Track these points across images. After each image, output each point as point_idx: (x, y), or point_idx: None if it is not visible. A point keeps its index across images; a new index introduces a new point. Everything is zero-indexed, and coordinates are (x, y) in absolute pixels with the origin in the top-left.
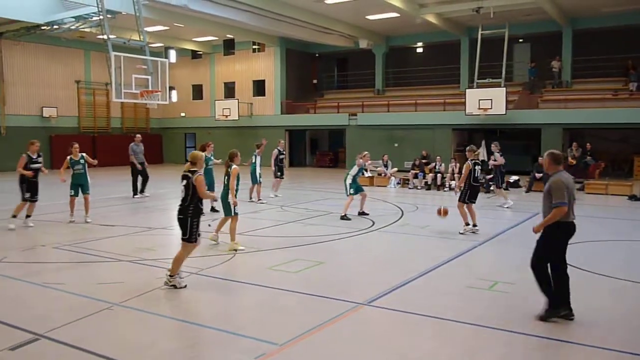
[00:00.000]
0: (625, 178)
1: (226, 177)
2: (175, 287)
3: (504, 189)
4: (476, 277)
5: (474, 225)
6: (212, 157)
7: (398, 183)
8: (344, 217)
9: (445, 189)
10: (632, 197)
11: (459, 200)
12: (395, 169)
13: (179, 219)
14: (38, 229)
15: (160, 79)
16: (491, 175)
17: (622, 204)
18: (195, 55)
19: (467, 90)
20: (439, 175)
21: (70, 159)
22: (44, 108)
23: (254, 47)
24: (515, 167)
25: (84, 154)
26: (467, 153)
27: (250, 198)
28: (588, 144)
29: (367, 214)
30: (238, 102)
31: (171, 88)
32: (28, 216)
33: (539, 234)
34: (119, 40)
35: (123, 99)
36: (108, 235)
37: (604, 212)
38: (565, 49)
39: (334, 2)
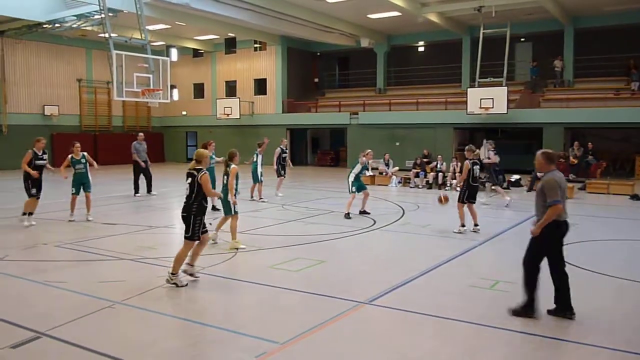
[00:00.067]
0: (627, 177)
1: (225, 177)
2: (176, 285)
3: (504, 188)
4: (477, 277)
5: (475, 225)
6: (213, 156)
7: (399, 182)
8: (347, 215)
9: (447, 188)
10: (634, 197)
11: (458, 201)
12: (397, 167)
13: (183, 217)
14: (40, 227)
15: (161, 77)
16: (484, 174)
17: (624, 203)
18: (196, 53)
19: (468, 89)
20: (440, 174)
21: (72, 158)
22: (45, 106)
23: (256, 45)
24: (517, 167)
25: (85, 153)
26: (466, 153)
27: (252, 197)
28: (590, 143)
29: (369, 213)
30: (239, 101)
31: (172, 87)
32: (30, 213)
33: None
34: (121, 38)
35: (124, 98)
36: (109, 234)
37: (605, 212)
38: (567, 48)
39: (336, 1)
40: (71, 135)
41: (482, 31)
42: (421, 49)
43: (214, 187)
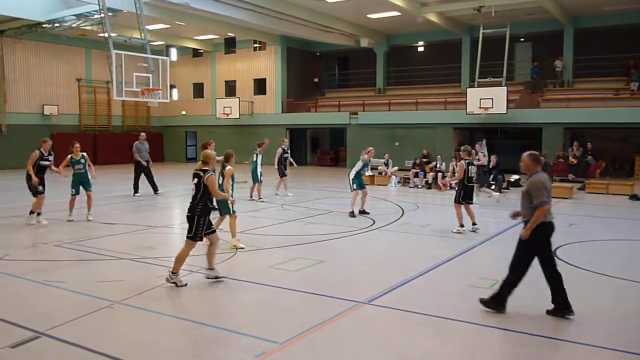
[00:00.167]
0: (626, 177)
1: (221, 177)
2: (176, 284)
3: (504, 188)
4: (477, 276)
5: (474, 224)
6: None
7: (399, 182)
8: (351, 214)
9: (447, 188)
10: (633, 197)
11: (455, 201)
12: (396, 167)
13: (187, 217)
14: (39, 227)
15: (161, 77)
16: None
17: (623, 203)
18: (196, 53)
19: (468, 89)
20: (439, 174)
21: (71, 158)
22: (45, 106)
23: (255, 45)
24: (516, 167)
25: (84, 154)
26: (461, 153)
27: (251, 197)
28: (589, 143)
29: (368, 213)
30: (239, 101)
31: (172, 86)
32: (32, 212)
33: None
34: (120, 38)
35: (124, 97)
36: (109, 234)
37: (604, 212)
38: (566, 48)
39: (335, 1)
40: (70, 134)
41: (481, 31)
42: (421, 49)
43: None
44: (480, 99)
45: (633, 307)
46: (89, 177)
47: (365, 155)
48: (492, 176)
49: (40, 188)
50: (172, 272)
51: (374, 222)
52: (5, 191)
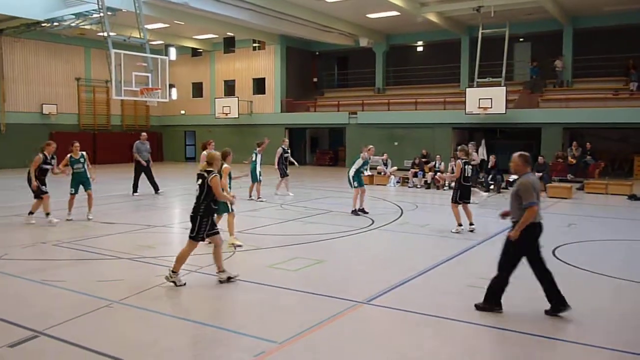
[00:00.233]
0: (625, 178)
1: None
2: (175, 284)
3: (503, 188)
4: (476, 276)
5: (471, 224)
6: None
7: (398, 182)
8: (354, 212)
9: (445, 188)
10: (632, 197)
11: (452, 201)
12: (395, 167)
13: (191, 217)
14: (38, 226)
15: (160, 76)
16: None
17: (622, 203)
18: (195, 53)
19: (467, 89)
20: (438, 174)
21: (71, 157)
22: (43, 105)
23: (254, 45)
24: None
25: (84, 153)
26: (458, 153)
27: (250, 196)
28: (588, 143)
29: (367, 212)
30: (238, 100)
31: (171, 86)
32: (31, 213)
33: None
34: (119, 37)
35: (123, 97)
36: (108, 233)
37: (603, 212)
38: (566, 48)
39: (335, 1)
40: (69, 134)
41: (481, 31)
42: (420, 48)
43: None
44: (480, 99)
45: (632, 307)
46: (89, 176)
47: (366, 153)
48: (490, 176)
49: (44, 188)
50: (172, 271)
51: (373, 221)
52: (5, 190)
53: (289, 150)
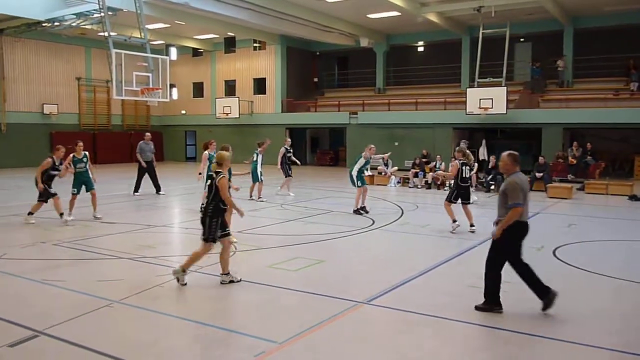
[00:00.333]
0: (626, 178)
1: None
2: (177, 280)
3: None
4: (476, 276)
5: (471, 225)
6: (215, 155)
7: (398, 182)
8: (357, 211)
9: (446, 188)
10: (633, 197)
11: (446, 199)
12: (396, 167)
13: (200, 218)
14: (39, 226)
15: (161, 76)
16: (474, 172)
17: (623, 204)
18: (196, 52)
19: (467, 89)
20: (437, 171)
21: (74, 157)
22: (44, 105)
23: (255, 45)
24: None
25: (86, 153)
26: (455, 154)
27: (251, 196)
28: (588, 143)
29: (368, 212)
30: (239, 100)
31: (172, 86)
32: (30, 213)
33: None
34: (120, 37)
35: (124, 97)
36: (108, 233)
37: (604, 212)
38: (566, 48)
39: (335, 1)
40: (70, 134)
41: (481, 31)
42: (420, 48)
43: None
44: (480, 99)
45: (632, 308)
46: (91, 176)
47: (367, 153)
48: (491, 176)
49: (52, 190)
50: (182, 269)
51: (374, 222)
52: (5, 190)
53: (292, 150)
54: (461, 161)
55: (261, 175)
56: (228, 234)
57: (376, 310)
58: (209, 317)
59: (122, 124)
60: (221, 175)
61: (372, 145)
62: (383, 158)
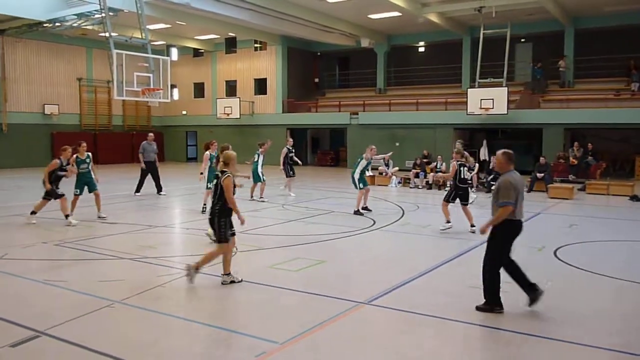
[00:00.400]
0: (627, 178)
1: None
2: (188, 276)
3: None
4: (477, 277)
5: (472, 226)
6: (216, 155)
7: (399, 182)
8: (357, 212)
9: (446, 189)
10: (634, 198)
11: (444, 200)
12: (397, 168)
13: (209, 219)
14: (40, 226)
15: (161, 76)
16: (474, 172)
17: (624, 204)
18: (197, 53)
19: (468, 89)
20: (439, 173)
21: (77, 157)
22: (45, 105)
23: (256, 45)
24: (517, 167)
25: (89, 154)
26: (454, 155)
27: (251, 196)
28: (589, 144)
29: (370, 210)
30: (239, 101)
31: (173, 86)
32: (33, 212)
33: (487, 234)
34: (121, 38)
35: (125, 97)
36: (110, 233)
37: (605, 213)
38: (567, 49)
39: (336, 1)
40: (71, 134)
41: (482, 31)
42: (421, 49)
43: None
44: (481, 99)
45: (633, 308)
46: (93, 176)
47: (368, 154)
48: (492, 176)
49: (60, 191)
50: (195, 268)
51: (375, 222)
52: (5, 190)
53: (294, 150)
54: (459, 162)
55: (263, 175)
56: (233, 234)
57: (377, 310)
58: (210, 317)
59: (123, 124)
60: (226, 175)
61: (373, 146)
62: (384, 158)
